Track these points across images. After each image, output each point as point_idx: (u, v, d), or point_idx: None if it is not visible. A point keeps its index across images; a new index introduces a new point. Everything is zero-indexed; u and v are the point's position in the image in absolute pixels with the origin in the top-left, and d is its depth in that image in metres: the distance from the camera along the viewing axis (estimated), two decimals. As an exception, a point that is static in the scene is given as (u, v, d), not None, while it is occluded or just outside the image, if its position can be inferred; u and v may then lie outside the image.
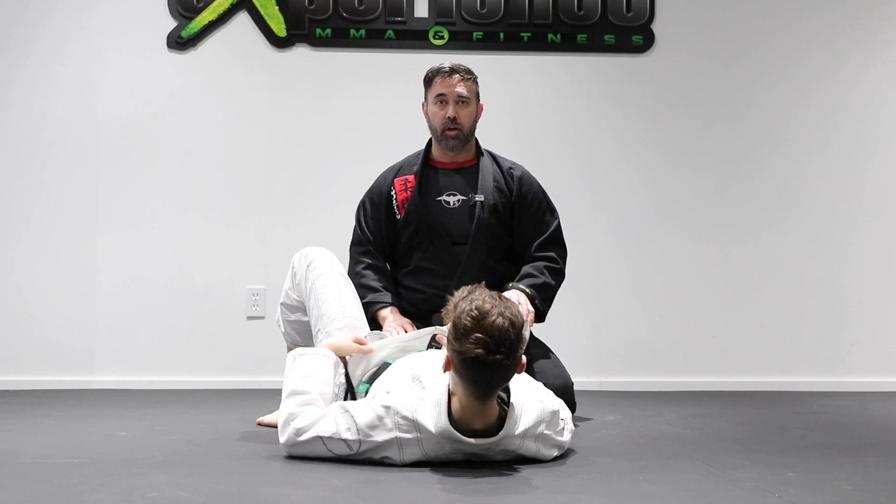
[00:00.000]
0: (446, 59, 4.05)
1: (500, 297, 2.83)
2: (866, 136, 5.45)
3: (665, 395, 4.98)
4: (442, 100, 3.92)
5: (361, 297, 3.75)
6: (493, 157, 4.03)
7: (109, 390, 5.00)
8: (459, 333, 2.75)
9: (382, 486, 2.65)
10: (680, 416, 4.19)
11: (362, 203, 4.08)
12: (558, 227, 4.01)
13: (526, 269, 3.90)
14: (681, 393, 5.07)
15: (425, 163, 4.01)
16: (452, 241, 3.90)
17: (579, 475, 2.82)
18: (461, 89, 3.91)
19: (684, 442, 3.48)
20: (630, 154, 5.38)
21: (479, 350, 2.71)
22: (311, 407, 3.02)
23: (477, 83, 3.99)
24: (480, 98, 4.01)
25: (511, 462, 2.92)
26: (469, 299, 2.80)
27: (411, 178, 3.97)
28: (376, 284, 3.91)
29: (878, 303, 5.42)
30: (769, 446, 3.43)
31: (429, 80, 3.96)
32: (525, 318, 3.11)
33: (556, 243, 3.99)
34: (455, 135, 3.91)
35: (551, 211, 4.03)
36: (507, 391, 2.90)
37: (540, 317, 3.85)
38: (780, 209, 5.40)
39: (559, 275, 3.95)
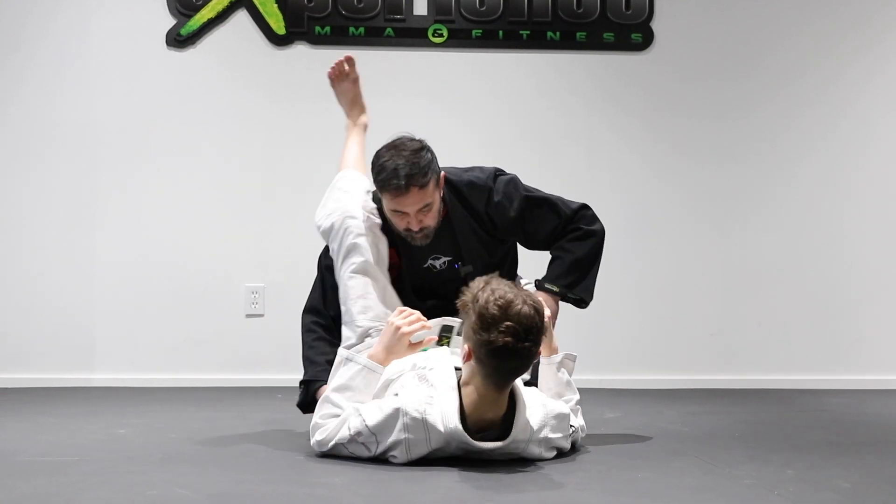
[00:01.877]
0: (397, 149, 3.32)
1: (517, 287, 2.86)
2: (869, 133, 5.44)
3: (664, 392, 4.98)
4: (400, 213, 3.34)
5: (304, 370, 3.53)
6: (462, 197, 3.45)
7: (108, 388, 4.99)
8: (487, 323, 2.75)
9: (382, 485, 2.66)
10: (679, 413, 4.19)
11: (327, 267, 3.55)
12: (560, 207, 3.49)
13: (551, 260, 3.51)
14: (680, 391, 5.07)
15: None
16: (444, 301, 3.37)
17: (579, 472, 2.82)
18: (420, 202, 3.30)
19: (683, 439, 3.48)
20: (629, 152, 5.37)
21: (509, 338, 2.73)
22: (334, 420, 3.01)
23: (432, 169, 3.31)
24: (438, 171, 3.37)
25: (511, 460, 2.93)
26: (490, 289, 2.81)
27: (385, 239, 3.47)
28: (320, 359, 3.48)
29: (878, 300, 5.42)
30: (768, 444, 3.43)
31: (381, 186, 3.32)
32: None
33: (570, 221, 3.49)
34: (423, 235, 3.37)
35: (546, 203, 3.51)
36: (515, 391, 2.89)
37: (581, 301, 3.53)
38: (780, 206, 5.40)
39: (586, 237, 3.50)
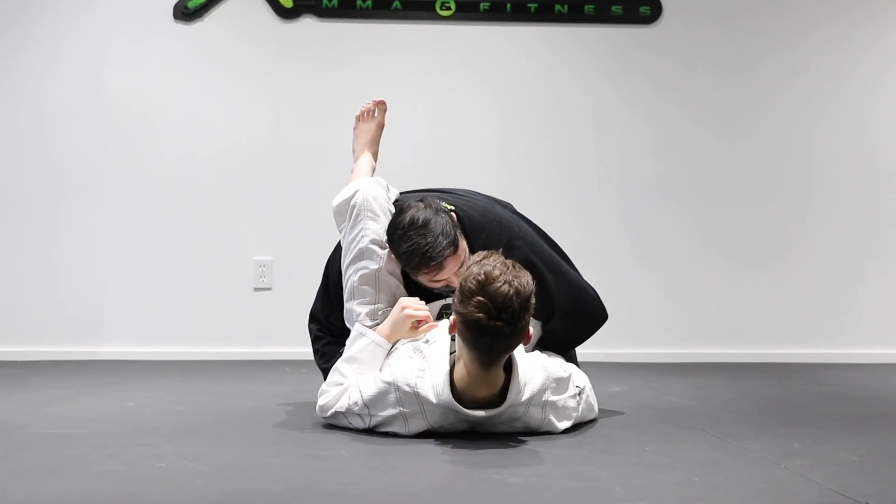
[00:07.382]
0: (414, 228, 3.13)
1: (512, 266, 2.81)
2: (872, 106, 5.42)
3: (671, 366, 4.99)
4: (440, 280, 3.22)
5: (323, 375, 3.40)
6: (465, 234, 3.29)
7: (117, 361, 5.01)
8: (464, 296, 2.75)
9: (389, 458, 2.67)
10: (686, 387, 4.20)
11: (336, 273, 3.43)
12: (558, 301, 3.39)
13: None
14: (687, 364, 5.08)
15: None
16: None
17: (586, 446, 2.83)
18: (458, 262, 3.17)
19: (690, 413, 3.49)
20: (637, 125, 5.36)
21: (480, 314, 2.72)
22: (338, 388, 3.08)
23: (454, 224, 3.19)
24: (454, 221, 3.24)
25: (518, 434, 2.93)
26: (481, 263, 2.80)
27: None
28: (332, 364, 3.27)
29: (884, 274, 5.41)
30: (775, 418, 3.43)
31: (416, 269, 3.16)
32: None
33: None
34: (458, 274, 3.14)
35: (546, 292, 3.28)
36: (512, 362, 2.90)
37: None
38: (787, 180, 5.38)
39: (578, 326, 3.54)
